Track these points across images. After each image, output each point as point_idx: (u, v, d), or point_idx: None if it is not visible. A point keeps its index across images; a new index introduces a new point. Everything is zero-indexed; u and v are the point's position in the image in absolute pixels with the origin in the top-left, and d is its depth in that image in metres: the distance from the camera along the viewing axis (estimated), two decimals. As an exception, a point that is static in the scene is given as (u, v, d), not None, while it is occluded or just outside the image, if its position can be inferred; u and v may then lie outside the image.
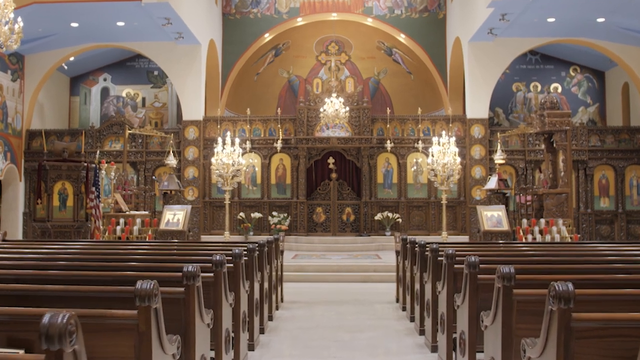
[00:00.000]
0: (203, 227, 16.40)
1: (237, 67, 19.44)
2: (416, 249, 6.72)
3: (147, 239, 11.16)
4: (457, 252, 4.94)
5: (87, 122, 19.09)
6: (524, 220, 11.49)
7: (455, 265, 4.85)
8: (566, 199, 12.71)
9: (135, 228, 11.25)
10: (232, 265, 4.96)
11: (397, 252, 8.65)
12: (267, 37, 19.58)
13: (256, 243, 6.64)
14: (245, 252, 5.80)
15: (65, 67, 17.65)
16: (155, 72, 19.38)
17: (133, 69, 19.61)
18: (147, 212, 13.12)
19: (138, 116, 19.40)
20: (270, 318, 7.24)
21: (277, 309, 8.05)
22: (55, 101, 18.90)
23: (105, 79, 19.58)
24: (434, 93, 19.78)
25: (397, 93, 20.17)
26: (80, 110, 19.57)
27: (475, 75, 16.29)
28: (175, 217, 11.19)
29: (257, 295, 5.97)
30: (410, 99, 19.49)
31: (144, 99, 19.55)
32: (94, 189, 11.82)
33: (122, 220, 11.48)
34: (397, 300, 8.66)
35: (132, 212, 12.82)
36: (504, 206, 11.73)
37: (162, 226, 11.15)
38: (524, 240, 10.91)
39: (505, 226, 10.99)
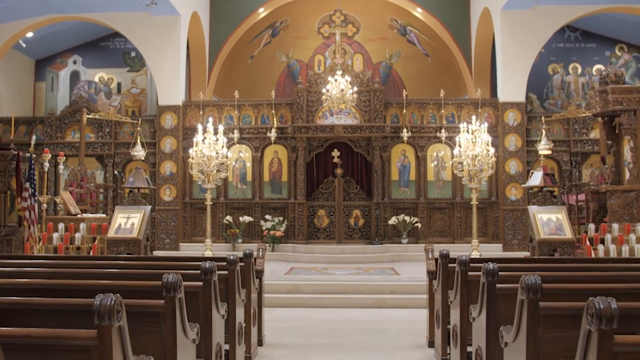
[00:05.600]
0: (182, 234, 13.69)
1: (227, 47, 16.79)
2: (470, 274, 3.99)
3: (91, 252, 8.46)
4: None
5: (55, 111, 16.46)
6: (591, 226, 8.68)
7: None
8: (636, 198, 9.91)
9: (78, 236, 8.55)
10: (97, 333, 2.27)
11: (430, 274, 5.88)
12: (262, 12, 16.92)
13: (201, 263, 3.92)
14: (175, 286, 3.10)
15: (24, 45, 15.02)
16: (133, 54, 16.73)
17: (107, 49, 16.97)
18: (103, 215, 10.44)
19: (112, 104, 16.75)
20: (233, 385, 4.52)
21: (250, 360, 5.32)
22: (16, 87, 16.30)
23: (75, 62, 16.95)
24: (455, 77, 17.03)
25: (412, 79, 17.43)
26: (47, 98, 16.95)
27: (509, 51, 13.50)
28: (128, 221, 8.48)
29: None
30: (427, 86, 16.73)
31: (119, 85, 16.90)
32: (28, 184, 9.17)
33: (61, 226, 8.78)
34: (431, 345, 5.90)
35: (85, 215, 10.14)
36: (564, 207, 8.94)
37: (112, 233, 8.44)
38: (593, 255, 8.12)
39: (567, 233, 8.20)
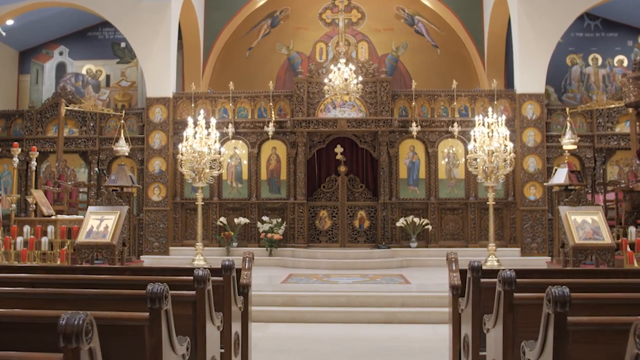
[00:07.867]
0: (173, 237, 12.63)
1: (222, 37, 15.75)
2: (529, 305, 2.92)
3: (59, 259, 7.40)
4: None
5: (39, 104, 15.43)
6: (632, 229, 7.59)
7: None
8: (676, 198, 8.82)
9: (44, 240, 7.50)
10: None
11: (455, 290, 4.80)
12: (261, 0, 15.87)
13: (172, 278, 2.85)
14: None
15: (3, 34, 13.97)
16: (122, 44, 15.68)
17: (95, 40, 15.92)
18: (80, 217, 9.38)
19: (101, 98, 15.71)
20: None
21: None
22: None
23: (61, 53, 15.91)
24: (467, 69, 15.95)
25: (420, 72, 16.31)
26: (31, 91, 15.91)
27: (527, 39, 12.41)
28: (102, 223, 7.44)
29: None
30: (436, 79, 15.62)
31: (108, 77, 15.85)
32: (-9, 182, 8.13)
33: (27, 229, 7.73)
34: (455, 377, 4.83)
35: (58, 217, 9.10)
36: (600, 207, 7.86)
37: (82, 237, 7.39)
38: (635, 264, 7.02)
39: (606, 238, 7.13)
